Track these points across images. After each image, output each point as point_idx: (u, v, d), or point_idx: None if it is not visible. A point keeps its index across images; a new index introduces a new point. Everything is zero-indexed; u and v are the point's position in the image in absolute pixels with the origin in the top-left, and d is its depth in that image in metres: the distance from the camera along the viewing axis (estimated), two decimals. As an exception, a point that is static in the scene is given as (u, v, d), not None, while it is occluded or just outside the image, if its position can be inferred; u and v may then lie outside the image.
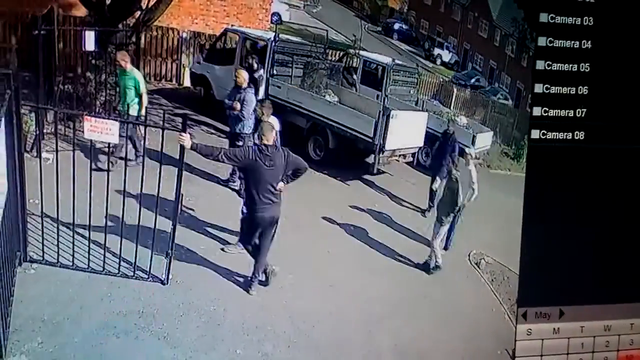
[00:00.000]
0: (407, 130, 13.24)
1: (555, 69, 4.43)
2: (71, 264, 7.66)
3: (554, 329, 4.84)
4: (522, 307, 4.81)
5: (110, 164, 7.74)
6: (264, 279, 8.14)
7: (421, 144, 14.03)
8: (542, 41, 4.40)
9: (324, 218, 10.09)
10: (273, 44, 14.84)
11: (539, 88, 4.43)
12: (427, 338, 7.65)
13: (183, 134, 7.19)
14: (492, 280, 9.82)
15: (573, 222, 4.71)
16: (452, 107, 20.09)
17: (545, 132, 4.46)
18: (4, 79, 6.65)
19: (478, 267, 10.16)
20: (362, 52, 18.17)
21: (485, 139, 15.94)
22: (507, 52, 30.42)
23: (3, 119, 6.06)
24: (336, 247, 9.69)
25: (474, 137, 14.97)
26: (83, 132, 7.31)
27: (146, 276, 7.75)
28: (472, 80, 29.19)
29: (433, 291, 8.90)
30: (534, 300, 4.79)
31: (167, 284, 7.73)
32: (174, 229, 7.69)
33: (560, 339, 4.85)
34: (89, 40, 12.42)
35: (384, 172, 13.48)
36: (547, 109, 4.44)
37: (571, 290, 4.79)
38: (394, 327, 7.79)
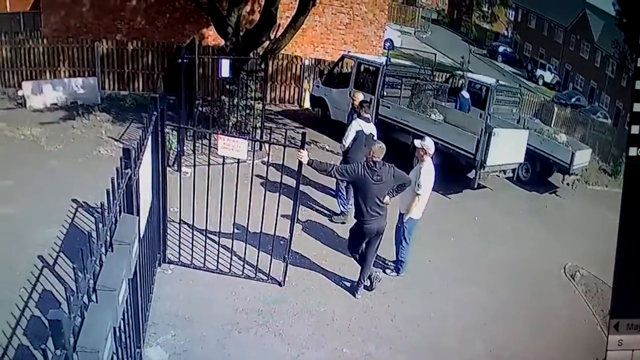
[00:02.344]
0: (507, 147, 12.86)
1: (654, 88, 4.20)
2: (203, 265, 7.90)
3: (645, 340, 4.55)
4: (614, 319, 4.53)
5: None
6: (368, 284, 8.08)
7: (521, 160, 13.60)
8: (642, 61, 4.17)
9: (425, 229, 9.91)
10: (384, 67, 14.81)
11: (638, 107, 4.19)
12: (521, 345, 7.36)
13: (301, 150, 7.27)
14: (586, 292, 9.36)
15: (667, 238, 4.42)
16: (552, 125, 19.38)
17: (643, 149, 4.21)
18: (152, 102, 6.92)
19: (573, 279, 9.72)
20: (467, 74, 17.87)
21: (583, 156, 15.28)
22: (607, 73, 29.20)
23: (150, 137, 6.30)
24: (437, 256, 9.52)
25: (573, 154, 14.39)
26: (217, 149, 7.53)
27: (266, 278, 7.88)
28: (573, 100, 28.19)
29: (529, 301, 8.55)
30: (626, 312, 4.51)
31: (283, 285, 7.82)
32: (290, 236, 7.77)
33: (650, 350, 4.57)
34: (225, 68, 12.82)
35: (484, 187, 13.13)
36: (645, 127, 4.20)
37: (663, 304, 4.50)
38: (489, 333, 7.55)
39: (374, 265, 8.46)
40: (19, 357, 5.49)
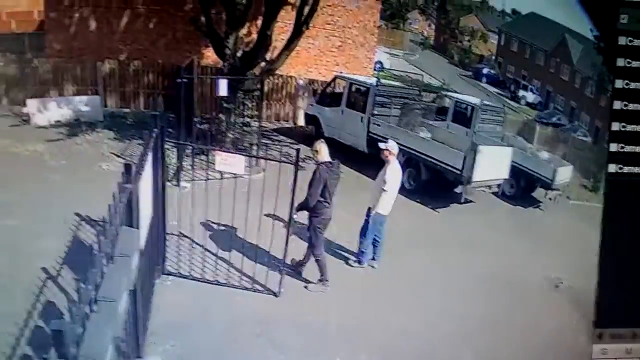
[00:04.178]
0: (492, 164, 12.88)
1: (631, 108, 4.21)
2: (201, 277, 7.82)
3: (627, 349, 4.53)
4: (598, 329, 4.52)
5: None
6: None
7: (506, 176, 13.61)
8: (619, 83, 4.20)
9: (414, 242, 9.89)
10: (374, 88, 14.85)
11: (616, 126, 4.22)
12: (507, 355, 7.30)
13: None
14: (570, 303, 9.29)
15: (646, 250, 4.42)
16: (535, 143, 19.41)
17: (622, 166, 4.23)
18: (153, 120, 6.89)
19: (557, 290, 9.67)
20: (453, 94, 17.94)
21: (565, 173, 15.30)
22: (586, 94, 29.43)
23: (151, 153, 6.26)
24: (426, 268, 9.46)
25: (555, 170, 14.43)
26: (215, 164, 7.50)
27: (262, 289, 7.81)
28: (554, 119, 28.35)
29: (514, 311, 8.49)
30: (610, 323, 4.50)
31: (279, 296, 7.75)
32: (286, 248, 7.69)
33: (633, 358, 4.54)
34: (222, 87, 12.82)
35: (471, 202, 13.10)
36: (623, 145, 4.21)
37: (644, 315, 4.48)
38: (477, 344, 7.46)
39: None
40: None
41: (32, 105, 15.55)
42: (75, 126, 15.16)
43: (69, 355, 2.94)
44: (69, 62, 17.03)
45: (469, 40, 42.47)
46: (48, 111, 15.55)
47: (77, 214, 9.20)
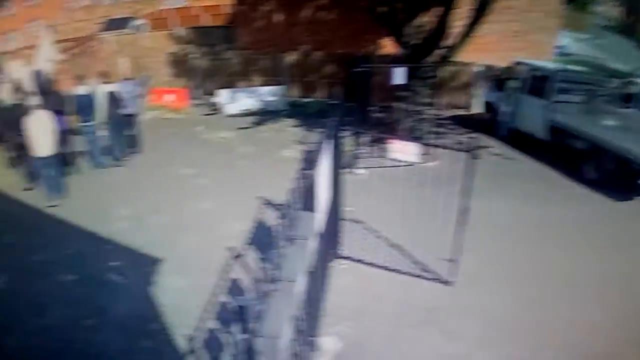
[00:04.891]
0: (687, 154, 11.54)
1: None
2: (374, 262, 7.84)
3: None
4: None
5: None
6: None
7: (699, 167, 12.15)
8: None
9: (596, 236, 9.10)
10: (557, 74, 13.99)
11: None
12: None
13: None
14: None
15: None
16: None
17: None
18: (331, 108, 7.01)
19: None
20: (641, 80, 16.40)
21: None
22: None
23: (329, 141, 6.37)
24: (607, 266, 8.65)
25: None
26: (390, 152, 7.46)
27: (433, 277, 7.67)
28: None
29: None
30: None
31: (450, 285, 7.55)
32: (458, 237, 7.43)
33: None
34: (398, 75, 12.71)
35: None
36: None
37: None
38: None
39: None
40: (208, 340, 5.71)
41: (222, 95, 16.61)
42: (260, 115, 15.95)
43: (251, 330, 3.06)
44: (256, 54, 17.91)
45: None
46: (237, 101, 16.51)
47: (261, 198, 9.65)
